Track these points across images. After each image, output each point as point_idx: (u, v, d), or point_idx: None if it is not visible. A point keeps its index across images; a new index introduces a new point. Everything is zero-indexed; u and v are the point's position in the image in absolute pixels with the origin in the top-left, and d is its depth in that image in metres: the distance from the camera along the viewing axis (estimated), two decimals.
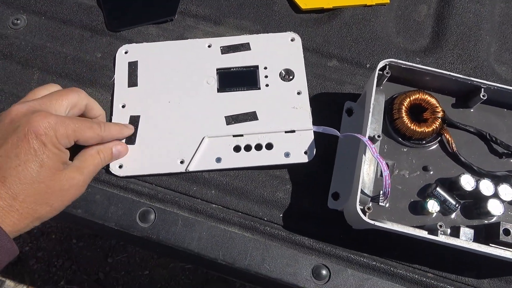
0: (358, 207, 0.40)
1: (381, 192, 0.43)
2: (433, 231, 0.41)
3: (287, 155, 0.48)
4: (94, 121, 0.45)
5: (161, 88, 0.52)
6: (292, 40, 0.55)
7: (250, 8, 0.59)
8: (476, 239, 0.42)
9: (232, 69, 0.53)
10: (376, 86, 0.48)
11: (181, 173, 0.49)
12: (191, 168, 0.48)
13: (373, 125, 0.46)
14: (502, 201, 0.43)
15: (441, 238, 0.40)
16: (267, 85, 0.52)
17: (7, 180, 0.36)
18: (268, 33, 0.56)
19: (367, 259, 0.47)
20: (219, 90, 0.52)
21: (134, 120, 0.50)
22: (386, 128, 0.47)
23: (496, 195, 0.43)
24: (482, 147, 0.47)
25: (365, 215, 0.40)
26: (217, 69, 0.53)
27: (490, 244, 0.41)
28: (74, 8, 0.58)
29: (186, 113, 0.51)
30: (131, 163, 0.48)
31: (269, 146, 0.49)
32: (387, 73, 0.46)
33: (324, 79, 0.55)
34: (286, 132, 0.49)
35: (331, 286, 0.45)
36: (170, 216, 0.47)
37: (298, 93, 0.52)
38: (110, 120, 0.51)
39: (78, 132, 0.41)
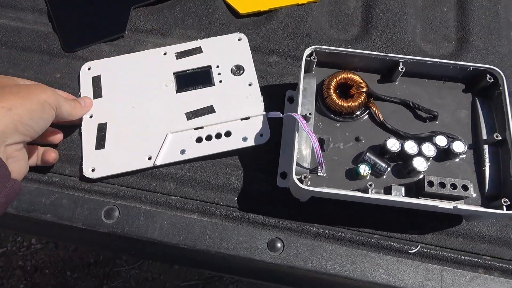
0: (295, 177, 0.44)
1: (319, 163, 0.47)
2: (365, 191, 0.45)
3: (244, 139, 0.53)
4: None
5: (124, 96, 0.57)
6: (239, 39, 0.61)
7: (194, 18, 0.64)
8: (407, 195, 0.47)
9: (187, 71, 0.58)
10: (308, 71, 0.53)
11: (149, 168, 0.53)
12: (158, 162, 0.52)
13: (306, 105, 0.51)
14: (427, 158, 0.47)
15: (371, 195, 0.44)
16: (220, 81, 0.57)
17: None
18: (218, 36, 0.61)
19: (317, 228, 0.51)
20: (177, 91, 0.57)
21: (102, 128, 0.55)
22: (320, 107, 0.52)
23: (420, 154, 0.48)
24: (407, 115, 0.52)
25: (302, 183, 0.45)
26: (174, 73, 0.58)
27: (420, 197, 0.46)
28: (32, 36, 0.63)
29: (149, 115, 0.55)
30: (103, 165, 0.53)
31: (228, 134, 0.53)
32: (314, 58, 0.52)
33: (266, 73, 0.60)
34: (242, 119, 0.54)
35: (285, 255, 0.49)
36: (133, 211, 0.51)
37: (250, 85, 0.57)
38: (80, 133, 0.55)
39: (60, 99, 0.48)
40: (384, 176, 0.48)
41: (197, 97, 0.56)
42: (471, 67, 0.51)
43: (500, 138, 0.48)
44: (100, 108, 0.56)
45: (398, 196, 0.46)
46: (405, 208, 0.50)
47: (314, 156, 0.49)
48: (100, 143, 0.54)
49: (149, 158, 0.53)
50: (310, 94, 0.52)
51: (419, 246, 0.50)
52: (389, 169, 0.49)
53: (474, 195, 0.47)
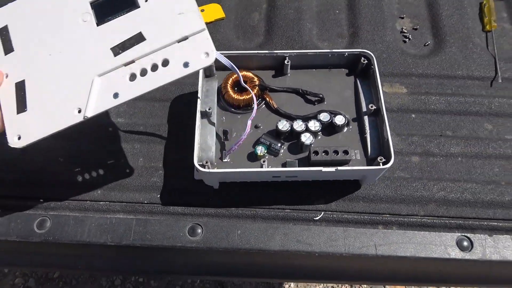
0: (196, 163, 0.50)
1: (224, 151, 0.54)
2: (261, 166, 0.52)
3: (186, 65, 0.44)
4: None
5: (38, 45, 0.49)
6: None
7: None
8: (301, 166, 0.53)
9: None
10: (210, 75, 0.60)
11: (81, 123, 0.46)
12: (89, 114, 0.45)
13: (208, 104, 0.58)
14: (313, 133, 0.54)
15: (265, 169, 0.51)
16: (146, 1, 0.47)
17: None
18: None
19: (232, 210, 0.57)
20: (98, 24, 0.48)
21: (20, 87, 0.48)
22: (222, 104, 0.59)
23: (307, 130, 0.54)
24: (299, 100, 0.59)
25: (204, 168, 0.51)
26: (90, 3, 0.48)
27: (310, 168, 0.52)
28: None
29: (70, 60, 0.47)
30: (29, 130, 0.46)
31: (165, 63, 0.44)
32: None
33: (180, 84, 0.67)
34: (179, 41, 0.45)
35: (204, 239, 0.54)
36: (63, 219, 0.56)
37: None
38: None
39: None
40: (281, 154, 0.55)
41: (122, 27, 0.47)
42: (346, 53, 0.59)
43: (375, 107, 0.56)
44: (15, 64, 0.49)
45: (290, 167, 0.52)
46: (311, 182, 0.56)
47: (218, 145, 0.55)
48: (21, 105, 0.47)
49: (79, 111, 0.45)
50: (212, 93, 0.59)
51: (322, 213, 0.56)
52: (283, 147, 0.55)
53: (358, 158, 0.54)
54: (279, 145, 0.54)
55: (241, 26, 0.75)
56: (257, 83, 0.58)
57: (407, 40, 0.72)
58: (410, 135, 0.62)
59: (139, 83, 0.45)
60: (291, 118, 0.57)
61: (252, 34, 0.74)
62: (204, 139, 0.55)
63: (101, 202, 0.58)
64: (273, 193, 0.58)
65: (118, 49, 0.46)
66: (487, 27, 0.73)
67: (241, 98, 0.57)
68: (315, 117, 0.56)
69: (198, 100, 0.55)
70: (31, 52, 0.49)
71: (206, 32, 0.45)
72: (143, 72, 0.45)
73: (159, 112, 0.64)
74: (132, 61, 0.45)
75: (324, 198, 0.58)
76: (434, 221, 0.56)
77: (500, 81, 0.67)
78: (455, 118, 0.64)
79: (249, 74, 0.58)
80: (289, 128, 0.54)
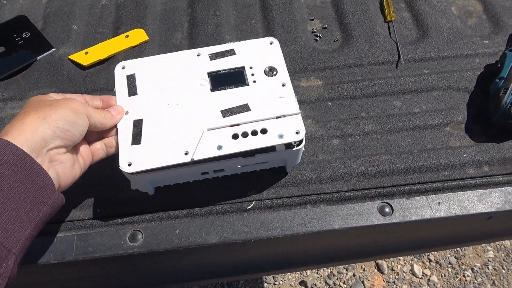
0: (122, 166, 0.54)
1: None
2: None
3: (280, 136, 0.54)
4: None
5: (159, 94, 0.58)
6: (271, 43, 0.64)
7: (46, 78, 0.75)
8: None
9: (221, 71, 0.60)
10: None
11: (186, 163, 0.53)
12: (196, 157, 0.52)
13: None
14: None
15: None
16: (254, 81, 0.59)
17: None
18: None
19: (171, 213, 0.60)
20: (212, 90, 0.58)
21: (138, 123, 0.56)
22: None
23: None
24: None
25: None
26: (208, 73, 0.60)
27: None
28: None
29: (184, 112, 0.56)
30: (139, 160, 0.53)
31: (264, 131, 0.54)
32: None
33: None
34: (277, 117, 0.55)
35: (145, 243, 0.57)
36: None
37: (283, 85, 0.59)
38: (116, 130, 0.57)
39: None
40: None
41: (231, 96, 0.57)
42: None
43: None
44: (136, 105, 0.58)
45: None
46: (241, 175, 0.60)
47: None
48: (136, 139, 0.54)
49: (186, 154, 0.53)
50: None
51: (253, 202, 0.60)
52: None
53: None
54: None
55: (165, 46, 0.80)
56: None
57: (318, 38, 0.79)
58: (329, 121, 0.68)
59: (241, 142, 0.54)
60: None
61: (177, 51, 0.79)
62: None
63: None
64: (207, 192, 0.61)
65: (226, 113, 0.56)
66: (388, 18, 0.80)
67: None
68: None
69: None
70: (152, 99, 0.58)
71: (299, 116, 0.56)
72: (244, 134, 0.54)
73: None
74: (237, 124, 0.55)
75: (255, 188, 0.61)
76: (357, 193, 0.60)
77: (402, 62, 0.74)
78: (367, 101, 0.70)
79: None
80: None
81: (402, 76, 0.72)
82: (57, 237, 0.58)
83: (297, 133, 0.54)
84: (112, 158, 0.63)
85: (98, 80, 0.74)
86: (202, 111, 0.56)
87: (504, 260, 1.65)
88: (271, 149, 0.56)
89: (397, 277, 1.62)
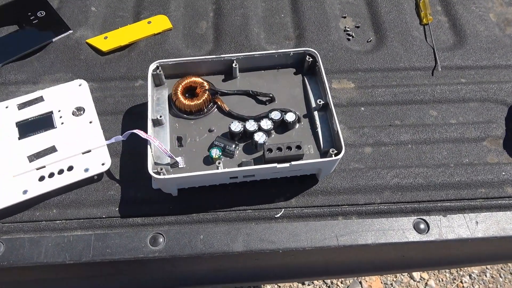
0: (151, 171, 0.50)
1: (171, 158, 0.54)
2: (216, 168, 0.52)
3: (86, 170, 0.57)
4: None
5: None
6: (80, 85, 0.66)
7: (61, 63, 0.70)
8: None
9: (29, 119, 0.62)
10: (160, 84, 0.60)
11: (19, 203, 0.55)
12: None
13: (160, 112, 0.57)
14: (266, 131, 0.55)
15: (220, 170, 0.51)
16: (62, 123, 0.62)
17: None
18: (64, 83, 0.66)
19: (193, 216, 0.56)
20: (20, 138, 0.60)
21: None
22: (174, 111, 0.59)
23: (260, 129, 0.55)
24: (250, 102, 0.60)
25: (160, 175, 0.50)
26: (16, 123, 0.62)
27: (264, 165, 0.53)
28: None
29: None
30: None
31: (70, 168, 0.57)
32: (160, 71, 0.59)
33: (133, 96, 0.67)
34: (83, 153, 0.59)
35: (166, 247, 0.54)
36: (17, 242, 0.54)
37: (90, 122, 0.62)
38: None
39: None
40: (236, 155, 0.55)
41: (39, 141, 0.60)
42: (291, 52, 0.61)
43: (323, 102, 0.57)
44: None
45: (246, 166, 0.53)
46: (270, 180, 0.57)
47: (174, 151, 0.55)
48: None
49: None
50: (163, 101, 0.59)
51: (282, 210, 0.57)
52: (238, 148, 0.55)
53: (312, 152, 0.55)
54: (233, 146, 0.55)
55: (189, 35, 0.75)
56: (207, 87, 0.58)
57: (350, 38, 0.75)
58: (361, 127, 0.64)
59: (47, 183, 0.57)
60: (243, 119, 0.57)
61: (201, 42, 0.75)
62: (155, 149, 0.55)
63: (57, 221, 0.56)
64: (233, 195, 0.58)
65: (33, 157, 0.59)
66: (424, 21, 0.77)
67: (192, 103, 0.57)
68: (266, 116, 0.57)
69: (148, 108, 0.55)
70: None
71: (106, 147, 0.59)
72: (51, 175, 0.57)
73: (112, 125, 0.64)
74: (43, 167, 0.58)
75: (284, 195, 0.58)
76: (391, 207, 0.57)
77: (439, 69, 0.70)
78: (402, 108, 0.67)
79: (198, 79, 0.59)
80: (242, 128, 0.55)
81: (438, 84, 0.69)
82: (73, 235, 0.54)
83: (103, 164, 0.57)
84: (135, 155, 0.60)
85: (117, 67, 0.70)
86: (9, 159, 0.58)
87: (502, 268, 1.64)
88: (303, 157, 0.53)
89: (395, 279, 1.61)
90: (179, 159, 0.54)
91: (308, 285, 1.53)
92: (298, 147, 0.53)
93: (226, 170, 0.51)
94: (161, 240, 0.54)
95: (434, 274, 1.62)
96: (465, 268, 1.62)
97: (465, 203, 0.58)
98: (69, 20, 0.75)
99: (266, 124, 0.55)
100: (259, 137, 0.54)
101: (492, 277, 1.62)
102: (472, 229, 0.56)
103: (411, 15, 0.78)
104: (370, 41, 0.75)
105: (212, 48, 0.74)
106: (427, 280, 1.62)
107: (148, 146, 0.53)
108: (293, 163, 0.51)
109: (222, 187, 0.57)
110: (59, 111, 0.63)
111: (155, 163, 0.54)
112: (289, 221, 0.56)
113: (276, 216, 0.56)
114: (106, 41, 0.72)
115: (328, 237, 0.55)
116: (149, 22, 0.75)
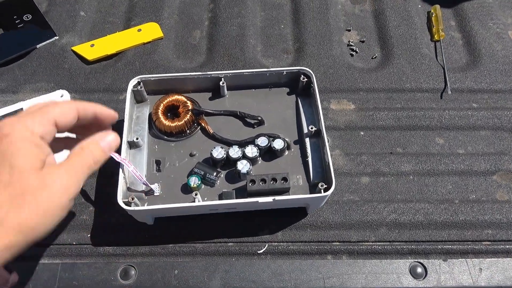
0: (120, 201, 0.46)
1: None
2: (193, 201, 0.47)
3: None
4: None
5: None
6: (61, 96, 0.62)
7: (44, 71, 0.67)
8: (241, 197, 0.49)
9: None
10: (141, 101, 0.56)
11: None
12: None
13: (138, 132, 0.53)
14: (250, 160, 0.50)
15: (196, 203, 0.46)
16: None
17: None
18: (45, 93, 0.63)
19: (170, 248, 0.52)
20: None
21: None
22: (154, 131, 0.54)
23: (244, 156, 0.50)
24: (238, 124, 0.56)
25: (130, 205, 0.46)
26: None
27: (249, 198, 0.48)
28: None
29: None
30: None
31: None
32: (141, 87, 0.54)
33: (117, 110, 0.62)
34: None
35: (137, 282, 0.49)
36: None
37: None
38: None
39: (47, 111, 0.37)
40: (217, 184, 0.51)
41: None
42: (285, 71, 0.56)
43: (315, 129, 0.52)
44: None
45: (227, 200, 0.48)
46: (254, 211, 0.52)
47: (151, 177, 0.50)
48: None
49: None
50: (143, 121, 0.54)
51: (266, 245, 0.52)
52: (220, 176, 0.51)
53: (301, 183, 0.50)
54: (214, 174, 0.50)
55: (181, 45, 0.71)
56: (190, 107, 0.54)
57: (354, 53, 0.70)
58: (359, 154, 0.59)
59: None
60: (228, 144, 0.53)
61: (193, 53, 0.70)
62: (129, 175, 0.50)
63: None
64: (214, 225, 0.53)
65: None
66: (436, 37, 0.71)
67: (173, 124, 0.53)
68: (252, 142, 0.52)
69: (124, 128, 0.51)
70: None
71: None
72: None
73: None
74: None
75: (269, 228, 0.53)
76: (386, 247, 0.52)
77: (449, 92, 0.64)
78: (405, 134, 0.61)
79: (182, 98, 0.54)
80: (225, 155, 0.50)
81: (447, 109, 0.63)
82: (40, 264, 0.50)
83: None
84: (109, 176, 0.55)
85: (102, 78, 0.66)
86: None
87: None
88: (291, 190, 0.48)
89: None
90: (155, 186, 0.50)
91: None
92: (284, 179, 0.48)
93: (202, 203, 0.47)
94: (133, 273, 0.50)
95: None
96: None
97: (469, 246, 0.52)
98: (56, 25, 0.71)
99: (251, 151, 0.51)
100: (243, 166, 0.49)
101: None
102: (475, 277, 0.50)
103: (421, 30, 0.72)
104: (375, 57, 0.69)
105: (204, 60, 0.69)
106: None
107: (121, 171, 0.49)
108: (276, 198, 0.46)
109: (203, 216, 0.53)
110: None
111: (128, 189, 0.49)
112: (273, 257, 0.52)
113: (259, 251, 0.52)
114: (92, 49, 0.68)
115: (314, 279, 0.50)
116: (139, 30, 0.70)
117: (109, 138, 0.41)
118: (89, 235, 0.53)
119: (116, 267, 0.50)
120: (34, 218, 0.32)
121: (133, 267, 0.50)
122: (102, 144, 0.40)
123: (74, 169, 0.36)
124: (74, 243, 0.53)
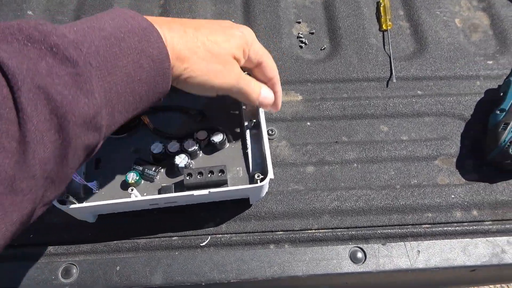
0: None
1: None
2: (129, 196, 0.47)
3: None
4: None
5: None
6: None
7: None
8: (179, 191, 0.49)
9: None
10: None
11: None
12: None
13: None
14: (189, 153, 0.50)
15: (132, 198, 0.46)
16: None
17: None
18: None
19: (112, 245, 0.52)
20: None
21: None
22: None
23: (183, 151, 0.51)
24: (182, 118, 0.56)
25: (65, 204, 0.46)
26: None
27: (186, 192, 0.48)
28: None
29: None
30: None
31: None
32: None
33: None
34: None
35: (79, 280, 0.49)
36: None
37: None
38: None
39: (266, 56, 0.47)
40: (157, 179, 0.51)
41: None
42: None
43: (255, 120, 0.53)
44: None
45: (165, 193, 0.48)
46: (200, 205, 0.53)
47: (90, 175, 0.50)
48: None
49: None
50: None
51: (209, 238, 0.52)
52: (160, 171, 0.51)
53: (241, 175, 0.51)
54: (153, 169, 0.50)
55: None
56: None
57: (303, 45, 0.70)
58: (305, 144, 0.60)
59: None
60: (170, 138, 0.53)
61: None
62: None
63: None
64: (159, 222, 0.54)
65: None
66: (384, 27, 0.72)
67: None
68: (191, 136, 0.52)
69: None
70: None
71: None
72: None
73: None
74: None
75: (214, 221, 0.54)
76: (327, 234, 0.53)
77: (394, 80, 0.65)
78: (351, 123, 0.62)
79: None
80: (163, 150, 0.50)
81: (392, 97, 0.64)
82: None
83: None
84: None
85: None
86: None
87: None
88: (229, 182, 0.49)
89: None
90: (93, 183, 0.50)
91: None
92: (221, 171, 0.48)
93: (138, 198, 0.47)
94: (74, 271, 0.50)
95: None
96: None
97: (408, 230, 0.53)
98: None
99: (190, 145, 0.51)
100: (181, 160, 0.50)
101: None
102: (413, 259, 0.51)
103: (370, 21, 0.73)
104: (323, 49, 0.70)
105: None
106: None
107: None
108: (212, 190, 0.47)
109: (146, 211, 0.53)
110: None
111: (66, 188, 0.49)
112: (215, 249, 0.52)
113: (201, 244, 0.52)
114: None
115: (256, 268, 0.50)
116: None
117: (271, 94, 0.49)
118: (31, 236, 0.53)
119: (57, 266, 0.50)
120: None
121: (75, 265, 0.50)
122: (263, 91, 0.48)
123: (244, 82, 0.45)
124: (15, 244, 0.52)
